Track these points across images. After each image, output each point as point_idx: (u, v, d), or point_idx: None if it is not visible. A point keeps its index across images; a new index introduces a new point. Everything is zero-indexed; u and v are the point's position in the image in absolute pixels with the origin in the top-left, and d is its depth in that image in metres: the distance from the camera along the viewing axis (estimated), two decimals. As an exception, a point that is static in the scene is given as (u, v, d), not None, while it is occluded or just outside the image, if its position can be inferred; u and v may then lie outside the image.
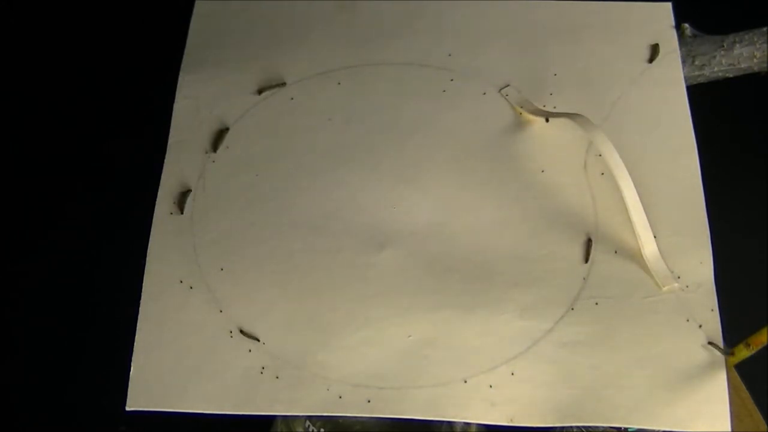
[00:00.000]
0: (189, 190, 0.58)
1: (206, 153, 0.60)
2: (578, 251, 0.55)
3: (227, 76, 0.63)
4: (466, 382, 0.51)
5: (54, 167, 0.64)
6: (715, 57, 0.62)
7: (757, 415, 0.52)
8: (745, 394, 0.52)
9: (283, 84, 0.62)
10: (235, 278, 0.55)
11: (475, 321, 0.53)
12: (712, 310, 0.52)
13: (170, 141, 0.61)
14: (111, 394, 0.52)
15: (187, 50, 0.65)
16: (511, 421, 0.50)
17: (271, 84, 0.61)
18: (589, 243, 0.54)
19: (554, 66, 0.62)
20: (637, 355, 0.51)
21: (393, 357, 0.52)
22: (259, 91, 0.62)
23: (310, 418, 0.52)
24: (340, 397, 0.51)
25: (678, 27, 0.63)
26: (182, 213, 0.57)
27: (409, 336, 0.53)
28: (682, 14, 0.64)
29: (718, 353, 0.51)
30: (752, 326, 0.48)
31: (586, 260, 0.54)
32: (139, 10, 0.70)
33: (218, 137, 0.60)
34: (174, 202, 0.57)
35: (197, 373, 0.52)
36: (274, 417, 0.52)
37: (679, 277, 0.53)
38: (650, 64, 0.61)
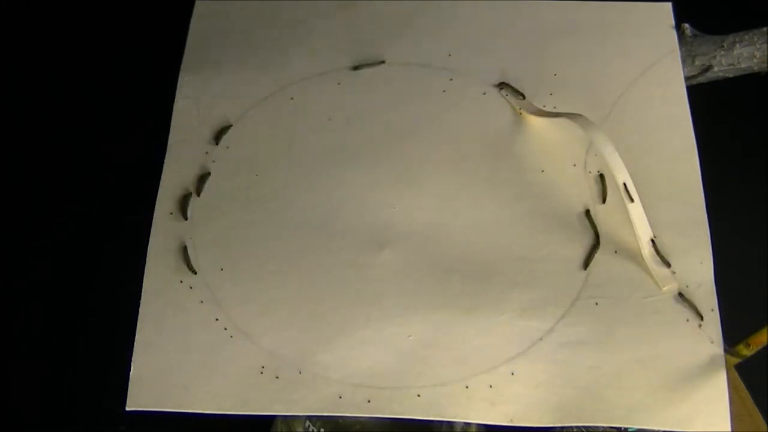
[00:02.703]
0: (189, 194, 0.58)
1: (206, 153, 0.60)
2: (578, 251, 0.55)
3: (227, 76, 0.63)
4: (466, 382, 0.51)
5: (54, 167, 0.64)
6: (715, 57, 0.62)
7: (757, 415, 0.52)
8: (745, 394, 0.52)
9: (383, 62, 0.63)
10: (235, 278, 0.55)
11: (475, 321, 0.53)
12: (712, 310, 0.52)
13: (170, 141, 0.61)
14: (111, 394, 0.52)
15: (187, 50, 0.65)
16: (511, 421, 0.50)
17: (369, 62, 0.62)
18: (594, 248, 0.54)
19: (554, 66, 0.62)
20: (637, 355, 0.51)
21: (393, 357, 0.52)
22: (355, 68, 0.62)
23: (310, 418, 0.52)
24: (340, 397, 0.51)
25: (678, 27, 0.63)
26: (185, 218, 0.57)
27: (409, 336, 0.53)
28: (682, 14, 0.64)
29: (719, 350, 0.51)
30: (752, 326, 0.48)
31: (597, 236, 0.54)
32: (139, 10, 0.70)
33: (221, 132, 0.60)
34: (177, 209, 0.57)
35: (197, 373, 0.52)
36: (274, 417, 0.52)
37: (674, 273, 0.53)
38: (649, 70, 0.61)
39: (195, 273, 0.55)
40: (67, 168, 0.64)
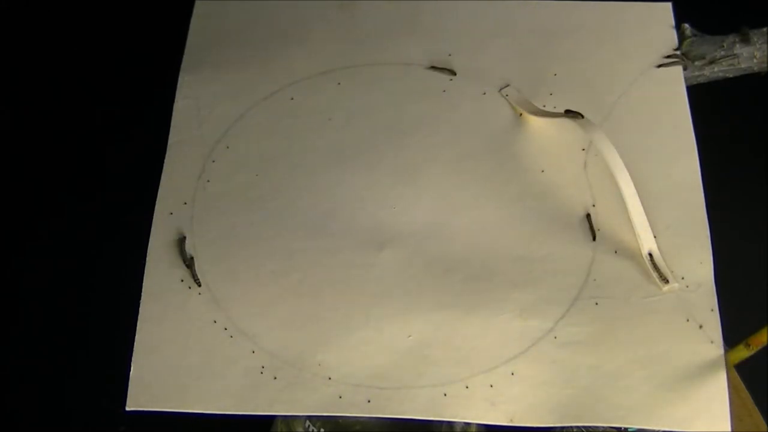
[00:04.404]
0: (183, 237, 0.56)
1: (206, 152, 0.60)
2: (579, 251, 0.55)
3: (227, 76, 0.63)
4: (466, 382, 0.51)
5: (54, 167, 0.64)
6: (715, 57, 0.62)
7: (757, 415, 0.52)
8: (745, 394, 0.52)
9: (454, 73, 0.62)
10: (235, 278, 0.55)
11: (475, 321, 0.53)
12: (712, 310, 0.52)
13: (170, 141, 0.61)
14: (111, 394, 0.52)
15: (187, 50, 0.65)
16: (511, 421, 0.50)
17: (443, 67, 0.62)
18: (589, 217, 0.55)
19: (554, 66, 0.62)
20: (637, 355, 0.51)
21: (393, 357, 0.52)
22: (432, 67, 0.62)
23: (310, 418, 0.52)
24: (340, 397, 0.51)
25: (678, 27, 0.63)
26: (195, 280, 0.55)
27: (409, 336, 0.53)
28: (682, 14, 0.64)
29: None
30: (752, 326, 0.48)
31: (594, 237, 0.55)
32: (139, 10, 0.70)
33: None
34: (176, 252, 0.56)
35: (197, 373, 0.52)
36: (274, 417, 0.52)
37: (682, 278, 0.53)
38: (649, 70, 0.61)
39: (199, 285, 0.55)
40: (67, 168, 0.64)
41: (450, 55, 0.63)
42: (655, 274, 0.53)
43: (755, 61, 0.62)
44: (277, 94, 0.63)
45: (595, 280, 0.54)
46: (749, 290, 0.56)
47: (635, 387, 0.50)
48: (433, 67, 0.62)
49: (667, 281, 0.53)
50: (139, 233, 0.57)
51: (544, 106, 0.61)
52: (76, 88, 0.67)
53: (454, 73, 0.62)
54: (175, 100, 0.62)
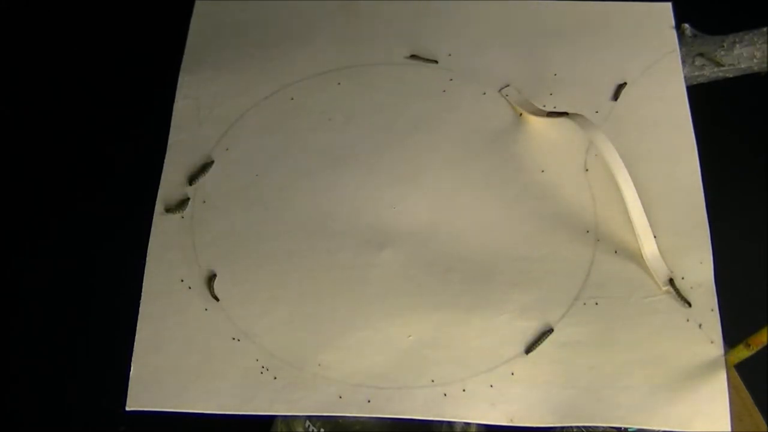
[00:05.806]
0: (187, 199, 0.58)
1: (206, 153, 0.60)
2: (579, 251, 0.55)
3: (227, 76, 0.63)
4: (465, 382, 0.51)
5: (54, 167, 0.64)
6: (715, 57, 0.62)
7: (757, 415, 0.52)
8: (745, 394, 0.52)
9: (435, 62, 0.63)
10: (235, 278, 0.55)
11: (475, 321, 0.53)
12: (712, 310, 0.52)
13: (170, 141, 0.61)
14: (111, 394, 0.52)
15: (187, 50, 0.65)
16: (511, 421, 0.50)
17: (424, 57, 0.62)
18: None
19: (554, 66, 0.62)
20: (637, 355, 0.51)
21: (393, 357, 0.52)
22: (412, 56, 0.63)
23: (310, 418, 0.52)
24: (340, 397, 0.51)
25: (678, 27, 0.63)
26: (182, 217, 0.57)
27: (409, 336, 0.53)
28: (682, 14, 0.64)
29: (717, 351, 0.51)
30: (752, 326, 0.48)
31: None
32: (139, 10, 0.70)
33: (200, 170, 0.59)
34: (170, 209, 0.57)
35: (197, 373, 0.52)
36: (274, 417, 0.52)
37: (682, 278, 0.53)
38: (649, 70, 0.61)
39: (218, 300, 0.55)
40: (67, 168, 0.64)
41: (450, 55, 0.63)
42: (674, 297, 0.53)
43: (755, 61, 0.62)
44: (277, 94, 0.63)
45: (595, 280, 0.54)
46: (749, 290, 0.56)
47: (635, 387, 0.50)
48: (414, 56, 0.62)
49: (689, 304, 0.52)
50: (139, 233, 0.57)
51: (544, 106, 0.61)
52: (76, 88, 0.67)
53: (436, 62, 0.62)
54: (175, 100, 0.62)
